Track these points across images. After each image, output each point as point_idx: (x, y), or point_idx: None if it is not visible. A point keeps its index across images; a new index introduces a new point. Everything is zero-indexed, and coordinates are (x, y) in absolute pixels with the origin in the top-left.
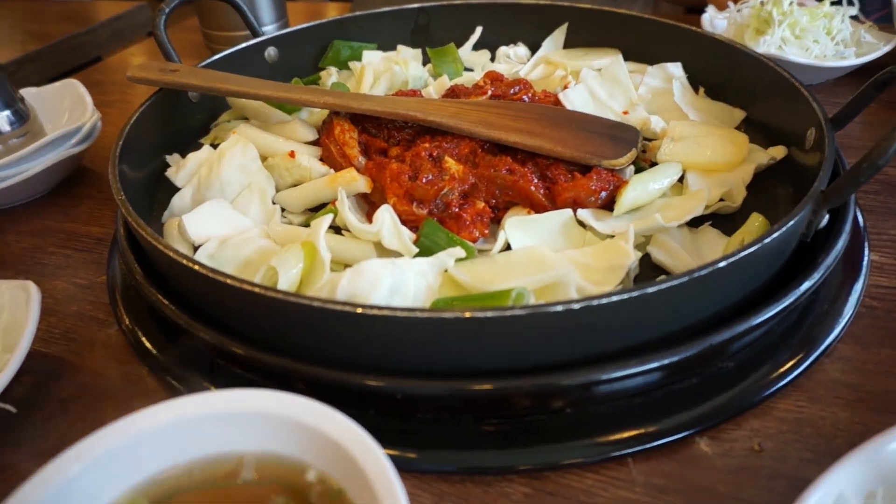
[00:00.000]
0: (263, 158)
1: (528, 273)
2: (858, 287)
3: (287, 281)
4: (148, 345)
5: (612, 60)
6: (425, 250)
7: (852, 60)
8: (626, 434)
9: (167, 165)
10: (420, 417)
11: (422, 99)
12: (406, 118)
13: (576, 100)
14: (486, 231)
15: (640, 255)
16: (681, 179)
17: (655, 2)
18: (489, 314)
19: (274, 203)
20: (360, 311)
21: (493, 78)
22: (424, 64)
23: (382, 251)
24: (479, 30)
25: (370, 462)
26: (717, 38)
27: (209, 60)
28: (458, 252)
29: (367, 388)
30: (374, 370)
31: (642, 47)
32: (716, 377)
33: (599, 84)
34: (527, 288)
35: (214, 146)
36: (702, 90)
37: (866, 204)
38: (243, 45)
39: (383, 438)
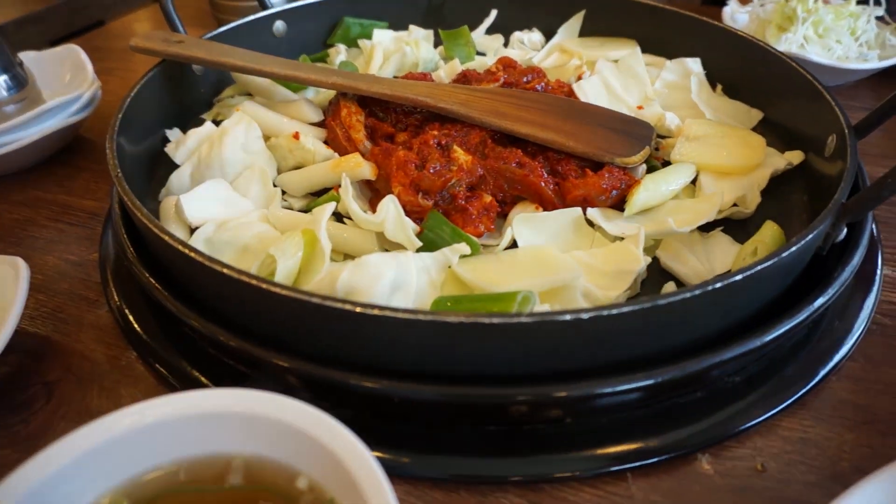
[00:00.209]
0: (266, 138)
1: (534, 274)
2: (870, 302)
3: (285, 270)
4: (138, 329)
5: (628, 52)
6: (429, 244)
7: (875, 63)
8: (626, 447)
9: (167, 140)
10: (416, 420)
11: (433, 84)
12: (416, 103)
13: (590, 91)
14: (493, 226)
15: (648, 260)
16: (694, 181)
17: None
18: (495, 321)
19: (275, 185)
20: (358, 310)
21: (506, 64)
22: (436, 46)
23: (384, 242)
24: (493, 13)
25: (364, 474)
26: (739, 33)
27: (215, 32)
28: (463, 248)
29: (363, 390)
30: (370, 369)
31: (660, 39)
32: (721, 391)
33: (615, 76)
34: (532, 291)
35: (217, 123)
36: (719, 87)
37: (880, 215)
38: (251, 17)
39: (376, 440)
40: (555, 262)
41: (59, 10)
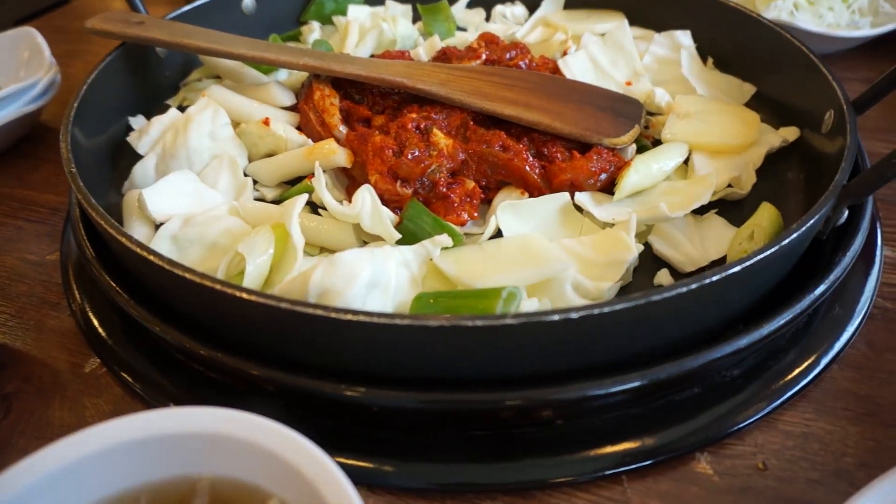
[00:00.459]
0: (235, 125)
1: (520, 266)
2: (871, 286)
3: (255, 270)
4: (102, 333)
5: (615, 25)
6: (409, 235)
7: (867, 31)
8: (620, 447)
9: (131, 129)
10: (398, 427)
11: (411, 63)
12: (392, 85)
13: (576, 67)
14: (476, 214)
15: (641, 248)
16: (686, 161)
17: None
18: (478, 323)
19: (246, 175)
20: (333, 315)
21: (488, 40)
22: (414, 21)
23: (362, 233)
24: None
25: (337, 499)
26: (727, 2)
27: (179, 12)
28: (445, 240)
29: (340, 398)
30: (347, 375)
31: (648, 10)
32: (718, 386)
33: (602, 51)
34: (518, 287)
35: (182, 109)
36: (710, 60)
37: (878, 192)
38: None
39: (356, 448)
40: (542, 252)
41: None
